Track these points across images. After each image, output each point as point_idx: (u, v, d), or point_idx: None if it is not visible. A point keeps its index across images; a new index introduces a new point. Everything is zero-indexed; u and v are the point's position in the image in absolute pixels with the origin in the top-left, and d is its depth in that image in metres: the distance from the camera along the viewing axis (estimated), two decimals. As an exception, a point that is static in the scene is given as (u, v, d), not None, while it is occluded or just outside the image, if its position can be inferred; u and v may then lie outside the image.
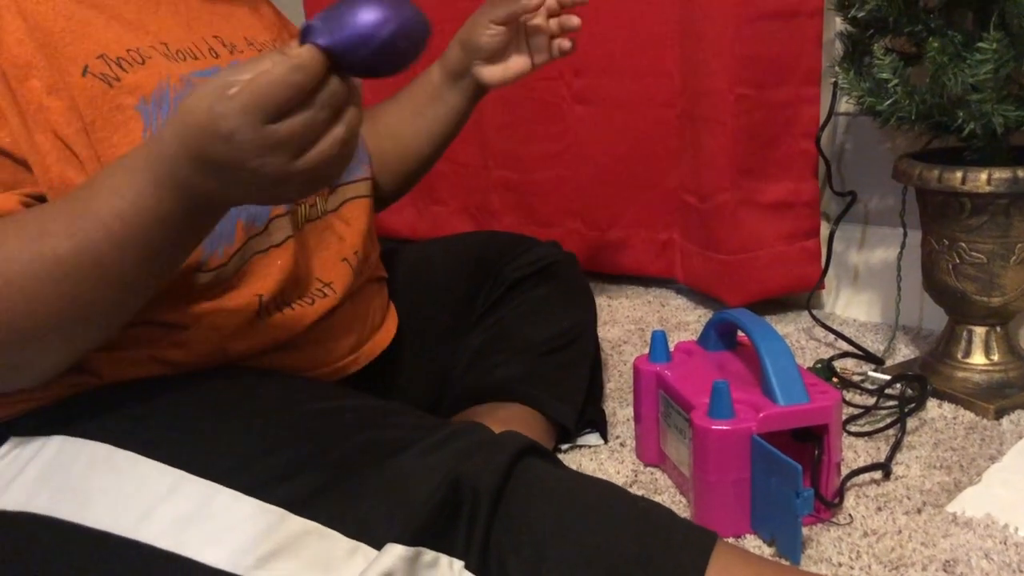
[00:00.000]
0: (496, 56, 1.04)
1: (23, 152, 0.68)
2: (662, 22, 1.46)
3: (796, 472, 0.79)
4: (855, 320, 1.44)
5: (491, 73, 1.04)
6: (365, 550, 0.61)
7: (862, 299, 1.45)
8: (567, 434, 1.04)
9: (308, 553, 0.61)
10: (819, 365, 1.22)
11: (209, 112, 0.56)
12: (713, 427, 0.84)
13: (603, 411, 1.11)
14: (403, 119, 1.07)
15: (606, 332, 1.44)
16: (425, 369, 0.99)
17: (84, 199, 0.63)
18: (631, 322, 1.49)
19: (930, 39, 1.00)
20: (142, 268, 0.64)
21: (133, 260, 0.63)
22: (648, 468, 1.01)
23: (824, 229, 1.43)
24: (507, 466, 0.65)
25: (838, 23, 1.26)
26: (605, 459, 1.03)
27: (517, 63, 1.05)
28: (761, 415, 0.84)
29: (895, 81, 1.05)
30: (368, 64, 0.58)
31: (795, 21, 1.33)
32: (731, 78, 1.36)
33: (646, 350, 1.02)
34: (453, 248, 1.09)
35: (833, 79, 1.21)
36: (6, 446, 0.71)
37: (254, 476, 0.64)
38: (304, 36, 0.58)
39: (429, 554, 0.61)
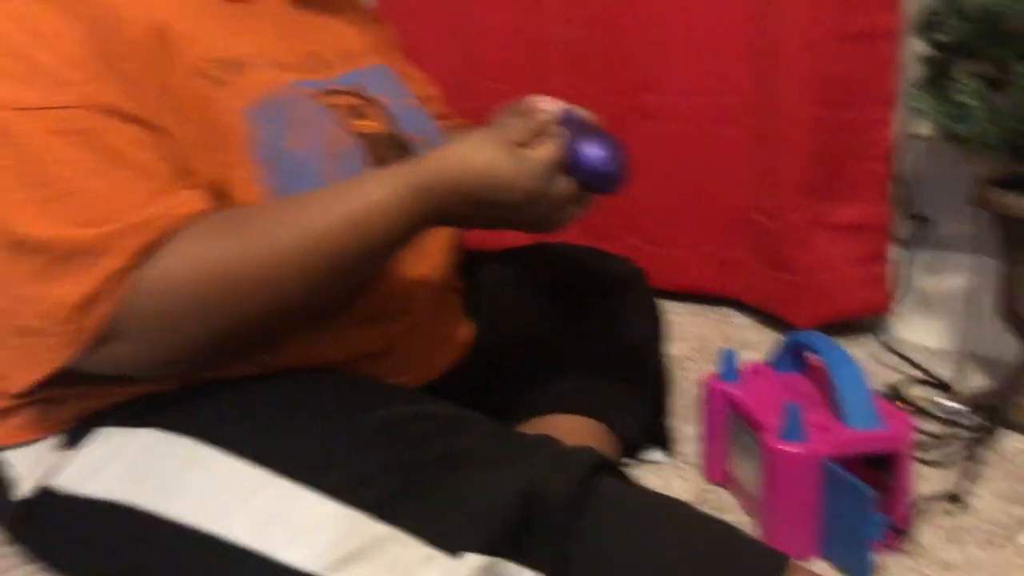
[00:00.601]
0: None
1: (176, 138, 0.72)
2: (734, 39, 1.45)
3: (869, 498, 0.78)
4: (923, 346, 1.41)
5: None
6: (441, 559, 0.62)
7: (931, 325, 1.43)
8: (632, 449, 1.04)
9: (385, 558, 0.62)
10: (887, 391, 1.20)
11: (516, 174, 0.72)
12: (785, 449, 0.84)
13: (668, 428, 1.11)
14: None
15: (669, 349, 1.43)
16: (497, 378, 0.99)
17: (335, 204, 0.71)
18: (694, 339, 1.48)
19: (1017, 64, 0.98)
20: (364, 271, 0.75)
21: (367, 263, 0.73)
22: (713, 487, 1.00)
23: (895, 253, 1.41)
24: (582, 481, 0.65)
25: (916, 48, 1.24)
26: (670, 476, 1.02)
27: None
28: (834, 439, 0.84)
29: (978, 106, 1.03)
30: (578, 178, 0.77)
31: (872, 42, 1.31)
32: (805, 98, 1.34)
33: (709, 368, 1.01)
34: (526, 259, 1.09)
35: (909, 101, 1.19)
36: (97, 435, 0.73)
37: (336, 479, 0.64)
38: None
39: (504, 565, 0.62)
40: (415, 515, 0.63)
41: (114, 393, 0.73)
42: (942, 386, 1.24)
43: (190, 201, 0.69)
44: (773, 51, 1.38)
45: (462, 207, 0.73)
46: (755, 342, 1.46)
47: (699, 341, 1.47)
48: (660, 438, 1.07)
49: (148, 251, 0.66)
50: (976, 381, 1.27)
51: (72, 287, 0.64)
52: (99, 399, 0.74)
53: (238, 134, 0.73)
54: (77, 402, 0.74)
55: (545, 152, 0.74)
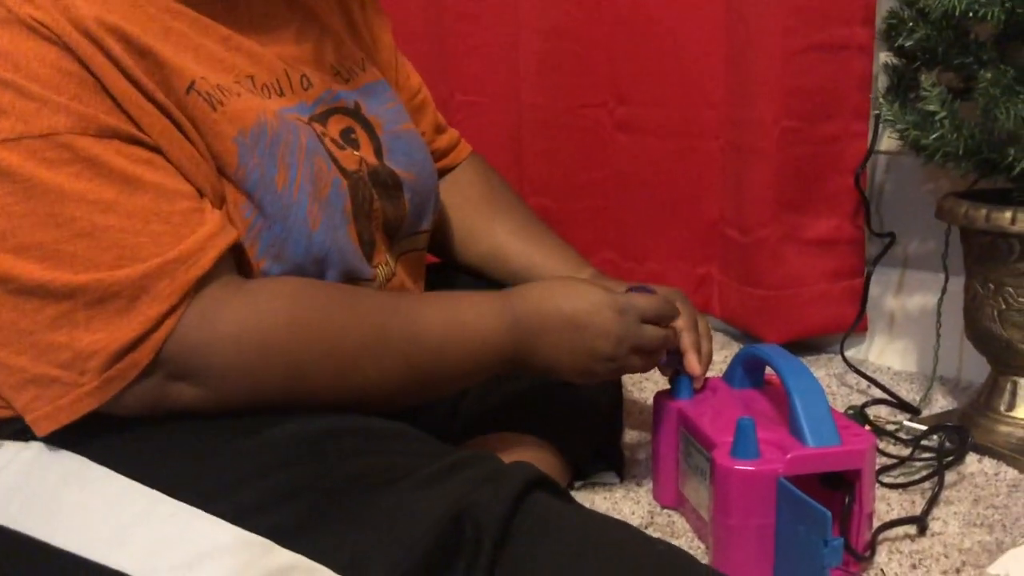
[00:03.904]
0: None
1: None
2: (708, 52, 1.42)
3: (825, 519, 0.73)
4: (889, 368, 1.37)
5: None
6: None
7: (897, 346, 1.39)
8: (582, 471, 0.99)
9: None
10: (851, 412, 1.16)
11: (613, 321, 0.77)
12: (736, 467, 0.79)
13: (621, 449, 1.06)
14: (519, 253, 1.01)
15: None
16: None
17: (440, 311, 0.74)
18: (656, 358, 1.44)
19: (982, 71, 0.96)
20: (437, 387, 0.77)
21: (445, 381, 0.76)
22: (665, 510, 0.95)
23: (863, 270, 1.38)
24: (514, 500, 0.60)
25: (882, 57, 1.22)
26: (620, 499, 0.97)
27: None
28: (788, 456, 0.79)
29: (943, 114, 1.00)
30: None
31: (844, 54, 1.29)
32: (777, 110, 1.32)
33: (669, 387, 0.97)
34: (475, 276, 1.05)
35: (876, 112, 1.16)
36: None
37: (238, 502, 0.59)
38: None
39: None
40: (327, 540, 0.58)
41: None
42: (907, 407, 1.20)
43: (226, 229, 0.66)
44: (746, 62, 1.36)
45: (554, 351, 0.77)
46: (719, 361, 1.42)
47: (661, 359, 1.43)
48: (613, 460, 1.02)
49: (195, 290, 0.62)
50: (942, 403, 1.23)
51: (107, 334, 0.59)
52: None
53: (228, 165, 0.69)
54: None
55: (643, 300, 0.80)
